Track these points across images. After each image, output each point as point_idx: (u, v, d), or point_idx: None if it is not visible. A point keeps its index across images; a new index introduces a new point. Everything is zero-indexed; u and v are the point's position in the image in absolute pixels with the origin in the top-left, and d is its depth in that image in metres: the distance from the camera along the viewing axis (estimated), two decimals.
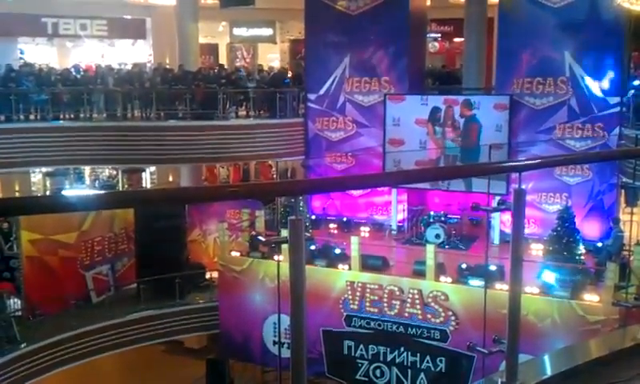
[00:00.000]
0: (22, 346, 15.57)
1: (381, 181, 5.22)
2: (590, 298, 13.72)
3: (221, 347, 17.92)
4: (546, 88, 17.40)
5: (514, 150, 17.35)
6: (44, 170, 22.54)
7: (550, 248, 15.00)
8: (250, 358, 17.48)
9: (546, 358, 3.76)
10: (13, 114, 18.92)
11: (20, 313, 16.61)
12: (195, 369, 18.22)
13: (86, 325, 16.80)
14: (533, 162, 3.50)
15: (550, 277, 14.15)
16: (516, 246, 3.35)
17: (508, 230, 16.59)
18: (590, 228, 16.68)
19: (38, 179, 23.40)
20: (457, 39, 29.06)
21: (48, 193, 22.01)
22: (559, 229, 15.04)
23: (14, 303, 16.68)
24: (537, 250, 15.80)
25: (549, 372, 3.42)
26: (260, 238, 17.12)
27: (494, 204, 15.20)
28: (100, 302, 18.36)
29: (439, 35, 30.88)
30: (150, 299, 18.15)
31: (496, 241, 17.01)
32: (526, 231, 15.37)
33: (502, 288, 13.64)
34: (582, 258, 14.97)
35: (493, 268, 14.41)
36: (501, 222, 17.13)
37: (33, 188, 23.05)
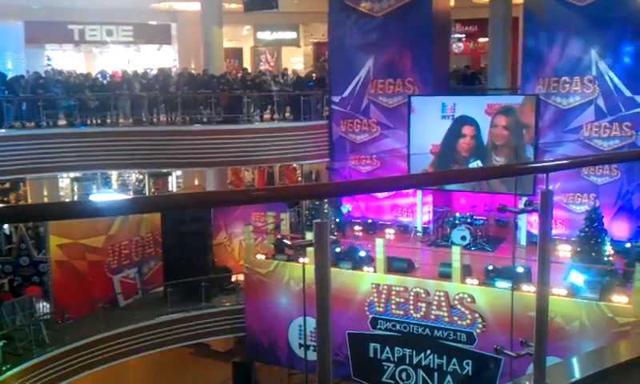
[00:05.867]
0: (51, 349, 15.76)
1: (406, 183, 5.20)
2: (619, 299, 13.54)
3: (247, 350, 17.98)
4: (572, 87, 17.23)
5: (540, 150, 17.20)
6: (72, 175, 22.83)
7: (578, 249, 14.83)
8: (275, 361, 17.51)
9: (575, 360, 3.72)
10: (41, 120, 19.17)
11: (49, 316, 16.81)
12: (221, 371, 18.32)
13: (113, 328, 16.96)
14: (560, 162, 3.46)
15: (577, 278, 14.00)
16: (543, 247, 3.32)
17: (535, 231, 16.45)
18: (619, 228, 16.48)
19: (66, 184, 23.70)
20: (481, 39, 28.88)
21: (76, 198, 22.29)
22: (587, 229, 14.87)
23: (43, 307, 16.89)
24: (564, 250, 15.64)
25: (577, 375, 3.38)
26: (286, 241, 17.16)
27: (521, 205, 15.08)
28: (127, 305, 18.53)
29: (463, 35, 30.66)
30: (176, 302, 18.27)
31: (523, 242, 16.87)
32: (554, 232, 15.20)
33: (529, 290, 13.55)
34: (611, 258, 14.79)
35: (520, 269, 14.29)
36: (528, 222, 16.98)
37: (61, 193, 23.35)
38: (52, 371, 15.57)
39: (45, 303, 16.95)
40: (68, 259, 17.56)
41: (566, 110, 17.34)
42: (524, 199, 15.20)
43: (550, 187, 3.22)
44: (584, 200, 17.14)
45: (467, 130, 18.52)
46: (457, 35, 29.43)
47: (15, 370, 14.74)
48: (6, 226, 18.50)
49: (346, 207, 19.47)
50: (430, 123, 18.50)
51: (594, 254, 14.54)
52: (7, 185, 22.83)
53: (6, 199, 22.60)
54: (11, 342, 15.36)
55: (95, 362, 16.54)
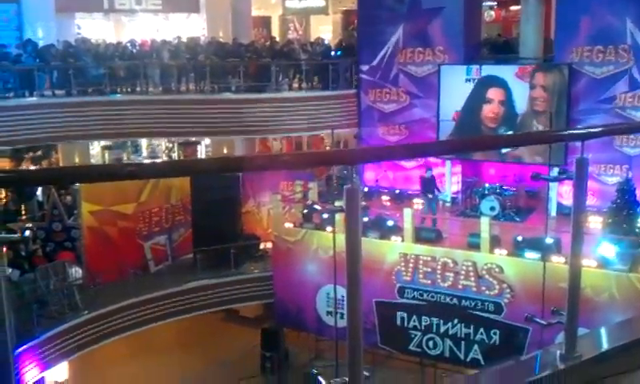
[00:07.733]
0: (84, 313, 16.09)
1: (436, 149, 5.18)
2: None
3: (275, 316, 18.17)
4: (606, 56, 16.89)
5: (573, 119, 16.95)
6: (103, 142, 23.08)
7: (609, 220, 14.68)
8: (304, 328, 17.68)
9: (605, 330, 3.71)
10: (72, 89, 19.35)
11: (81, 281, 17.11)
12: (250, 337, 18.58)
13: (144, 293, 17.22)
14: (595, 130, 3.41)
15: (608, 250, 13.86)
16: (577, 217, 3.29)
17: (565, 202, 16.29)
18: None
19: (97, 152, 24.00)
20: (513, 7, 28.39)
21: None
22: (619, 201, 14.70)
23: (76, 272, 17.19)
24: (595, 222, 15.46)
25: (608, 345, 3.37)
26: (316, 206, 17.22)
27: (553, 174, 14.90)
28: (158, 271, 18.79)
29: (495, 3, 30.18)
30: (206, 269, 18.48)
31: (553, 212, 16.70)
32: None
33: (558, 261, 13.45)
34: None
35: (549, 240, 14.18)
36: (558, 193, 16.80)
37: (92, 160, 23.64)
38: (85, 335, 15.91)
39: (77, 268, 17.25)
40: (99, 226, 17.80)
41: (600, 79, 17.02)
42: (555, 169, 15.02)
43: (585, 156, 3.19)
44: (616, 171, 16.89)
45: (494, 93, 18.13)
46: (488, 3, 28.96)
47: (49, 333, 15.08)
48: (39, 191, 18.84)
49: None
50: (455, 88, 18.24)
51: (625, 225, 14.39)
52: (40, 152, 23.17)
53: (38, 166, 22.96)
54: (45, 305, 15.70)
55: (126, 327, 16.84)
